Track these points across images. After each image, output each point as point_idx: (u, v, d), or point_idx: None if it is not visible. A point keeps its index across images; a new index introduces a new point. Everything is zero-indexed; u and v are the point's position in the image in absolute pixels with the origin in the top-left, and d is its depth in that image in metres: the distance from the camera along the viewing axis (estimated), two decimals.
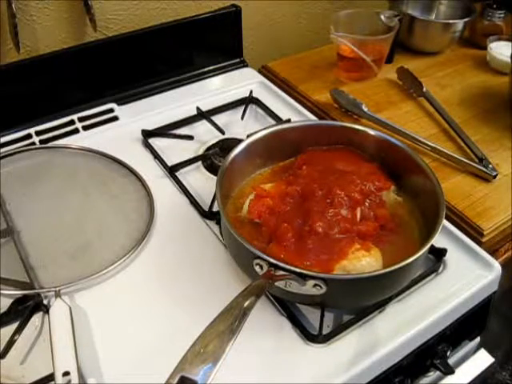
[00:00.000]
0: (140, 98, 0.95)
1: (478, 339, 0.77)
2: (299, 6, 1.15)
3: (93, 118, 0.89)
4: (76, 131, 0.87)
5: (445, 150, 0.85)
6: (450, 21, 1.11)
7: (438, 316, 0.63)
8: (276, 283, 0.53)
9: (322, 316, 0.59)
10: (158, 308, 0.62)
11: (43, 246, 0.67)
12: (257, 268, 0.55)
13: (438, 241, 0.68)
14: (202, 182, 0.79)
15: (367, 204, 0.64)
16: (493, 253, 0.76)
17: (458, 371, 0.69)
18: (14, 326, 0.58)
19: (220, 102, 0.95)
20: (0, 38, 0.83)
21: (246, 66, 1.06)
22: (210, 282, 0.65)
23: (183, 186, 0.78)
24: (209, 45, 1.01)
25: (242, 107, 0.93)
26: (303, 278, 0.53)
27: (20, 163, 0.79)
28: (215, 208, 0.72)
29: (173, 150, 0.84)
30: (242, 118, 0.91)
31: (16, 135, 0.84)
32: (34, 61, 0.84)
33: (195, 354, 0.42)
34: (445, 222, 0.68)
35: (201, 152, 0.85)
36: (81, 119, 0.88)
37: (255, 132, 0.71)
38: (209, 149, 0.85)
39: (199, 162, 0.83)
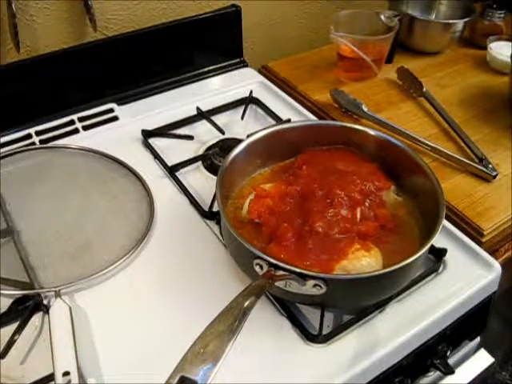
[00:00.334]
0: (140, 98, 0.95)
1: (477, 339, 0.77)
2: (299, 6, 1.15)
3: (93, 118, 0.89)
4: (76, 131, 0.87)
5: (445, 150, 0.85)
6: (450, 21, 1.10)
7: (438, 316, 0.62)
8: (276, 283, 0.53)
9: (322, 316, 0.59)
10: (157, 308, 0.62)
11: (43, 246, 0.67)
12: (257, 268, 0.54)
13: (438, 241, 0.68)
14: (201, 182, 0.79)
15: (367, 204, 0.64)
16: (493, 253, 0.76)
17: (458, 371, 0.69)
18: (13, 326, 0.58)
19: (220, 101, 0.95)
20: (0, 37, 0.83)
21: (246, 66, 1.06)
22: (210, 282, 0.65)
23: (183, 185, 0.78)
24: (209, 45, 1.01)
25: (242, 107, 0.93)
26: (303, 277, 0.53)
27: (20, 163, 0.79)
28: (215, 208, 0.72)
29: (173, 150, 0.84)
30: (242, 118, 0.91)
31: (16, 135, 0.84)
32: (34, 61, 0.84)
33: (195, 354, 0.42)
34: (445, 222, 0.68)
35: (201, 152, 0.85)
36: (81, 119, 0.88)
37: (255, 132, 0.71)
38: (209, 149, 0.85)
39: (199, 162, 0.83)
